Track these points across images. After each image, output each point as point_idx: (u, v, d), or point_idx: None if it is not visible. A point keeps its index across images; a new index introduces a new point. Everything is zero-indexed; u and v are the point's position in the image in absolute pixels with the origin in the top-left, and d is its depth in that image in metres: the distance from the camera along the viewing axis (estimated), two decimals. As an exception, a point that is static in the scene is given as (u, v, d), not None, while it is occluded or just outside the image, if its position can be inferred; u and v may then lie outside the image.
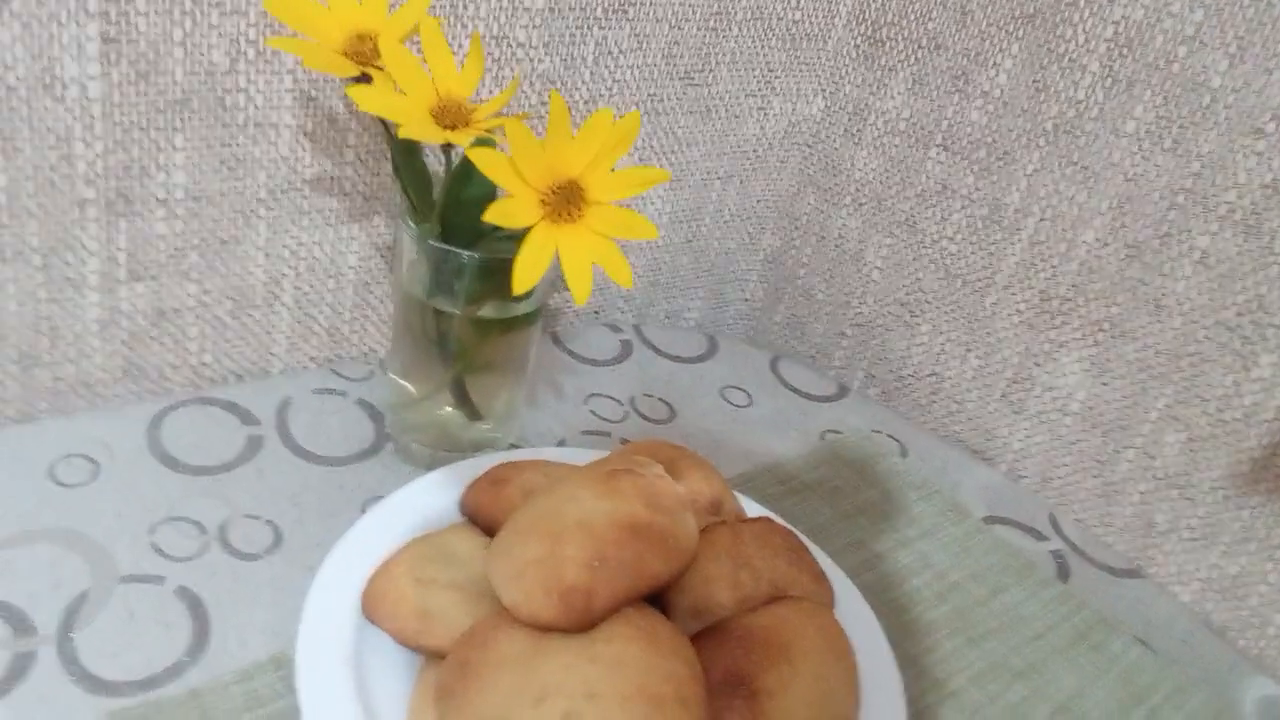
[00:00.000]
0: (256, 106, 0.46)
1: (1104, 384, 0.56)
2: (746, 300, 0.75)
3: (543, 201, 0.36)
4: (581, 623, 0.35)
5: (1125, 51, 0.52)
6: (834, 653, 0.38)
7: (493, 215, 0.34)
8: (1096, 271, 0.55)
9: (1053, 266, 0.57)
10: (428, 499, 0.44)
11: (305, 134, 0.48)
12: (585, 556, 0.35)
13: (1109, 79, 0.53)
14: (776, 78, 0.65)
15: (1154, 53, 0.51)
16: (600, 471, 0.39)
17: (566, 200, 0.36)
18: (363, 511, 0.47)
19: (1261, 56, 0.48)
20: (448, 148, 0.39)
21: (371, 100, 0.36)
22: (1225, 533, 0.52)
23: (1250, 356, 0.50)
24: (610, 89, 0.58)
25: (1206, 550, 0.53)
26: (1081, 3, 0.53)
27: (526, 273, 0.35)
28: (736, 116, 0.65)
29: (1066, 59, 0.55)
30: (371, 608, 0.39)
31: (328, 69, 0.37)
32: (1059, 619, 0.50)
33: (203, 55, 0.44)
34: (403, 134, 0.35)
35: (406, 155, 0.41)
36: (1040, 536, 0.57)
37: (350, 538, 0.42)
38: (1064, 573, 0.54)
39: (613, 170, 0.36)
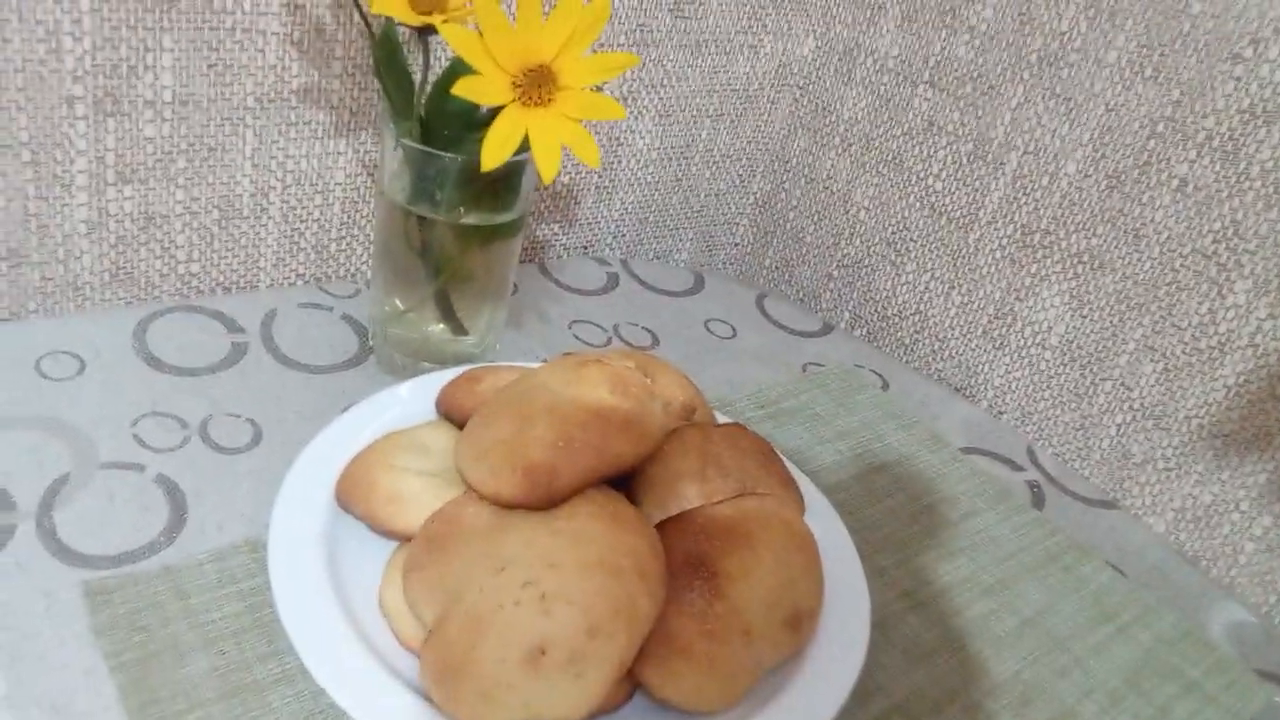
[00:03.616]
0: (244, 11, 0.47)
1: (1083, 317, 0.57)
2: (736, 244, 0.75)
3: (514, 84, 0.36)
4: (545, 500, 0.36)
5: (1109, -19, 0.53)
6: (796, 544, 0.38)
7: (462, 89, 0.35)
8: (1077, 204, 0.56)
9: (1035, 200, 0.57)
10: (408, 399, 0.45)
11: (292, 43, 0.49)
12: (551, 437, 0.36)
13: (1091, 9, 0.53)
14: (768, 15, 0.65)
15: (1137, -18, 0.51)
16: (570, 362, 0.40)
17: (538, 84, 0.36)
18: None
19: (1242, -19, 0.48)
20: (425, 44, 0.39)
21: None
22: (1199, 462, 0.53)
23: (1225, 284, 0.50)
24: (599, 16, 0.59)
25: (1180, 480, 0.54)
26: (1067, -67, 0.54)
27: (495, 150, 0.35)
28: (727, 53, 0.65)
29: (1052, -9, 0.55)
30: (344, 493, 0.40)
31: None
32: (1031, 542, 0.51)
33: (191, -45, 0.45)
34: (375, 9, 0.36)
35: (388, 55, 0.42)
36: (1017, 467, 0.57)
37: (329, 431, 0.42)
38: (1039, 501, 0.55)
39: (583, 56, 0.37)
